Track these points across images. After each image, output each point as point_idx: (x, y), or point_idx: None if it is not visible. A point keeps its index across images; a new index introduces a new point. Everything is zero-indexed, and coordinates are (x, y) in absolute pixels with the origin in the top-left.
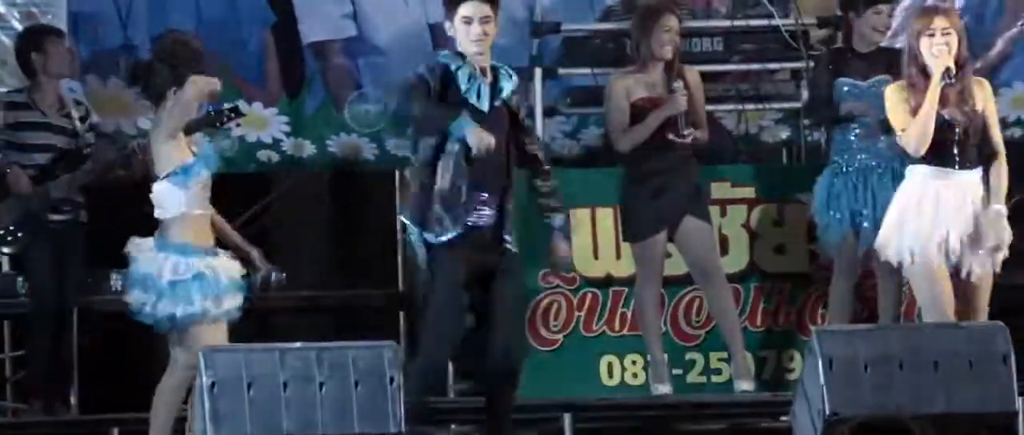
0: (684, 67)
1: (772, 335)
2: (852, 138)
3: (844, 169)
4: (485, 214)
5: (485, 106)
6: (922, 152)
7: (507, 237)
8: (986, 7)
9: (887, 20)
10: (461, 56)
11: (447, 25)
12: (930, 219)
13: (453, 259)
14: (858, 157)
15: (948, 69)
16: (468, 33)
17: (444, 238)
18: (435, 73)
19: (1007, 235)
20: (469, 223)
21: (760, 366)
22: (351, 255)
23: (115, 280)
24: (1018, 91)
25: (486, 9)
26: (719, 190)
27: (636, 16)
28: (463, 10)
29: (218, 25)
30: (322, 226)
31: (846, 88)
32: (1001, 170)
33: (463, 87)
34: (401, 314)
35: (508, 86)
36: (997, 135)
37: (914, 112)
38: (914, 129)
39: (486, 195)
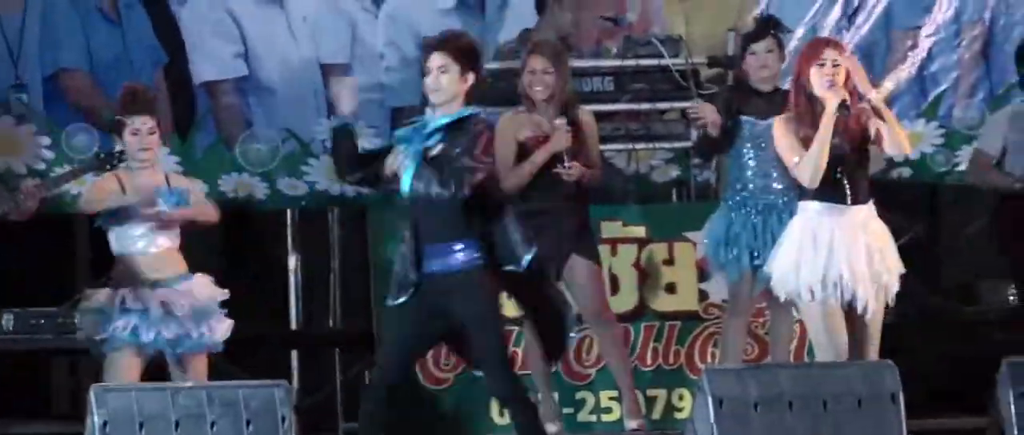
0: (580, 107)
1: (662, 374)
2: (749, 176)
3: (742, 208)
4: (451, 259)
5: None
6: (817, 183)
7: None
8: (875, 46)
9: (763, 58)
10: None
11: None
12: (826, 256)
13: (401, 314)
14: (756, 196)
15: (844, 100)
16: (426, 84)
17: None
18: None
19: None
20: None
21: (650, 405)
22: (243, 293)
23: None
24: (906, 129)
25: (441, 58)
26: (610, 229)
27: (524, 48)
28: (427, 61)
29: (110, 65)
30: (214, 265)
31: (744, 127)
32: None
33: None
34: (293, 353)
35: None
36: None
37: (803, 143)
38: (809, 160)
39: (443, 244)
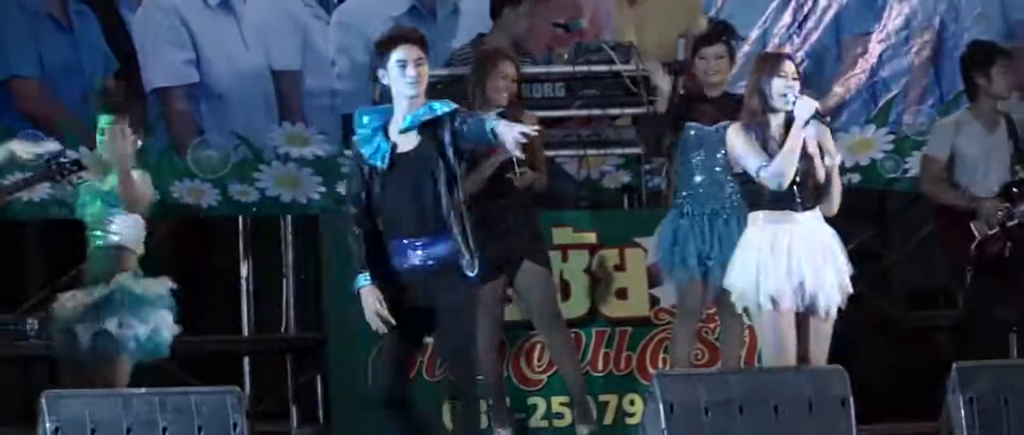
0: (523, 112)
1: (613, 379)
2: (698, 181)
3: (691, 213)
4: (417, 256)
5: (384, 161)
6: (785, 185)
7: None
8: (826, 53)
9: (713, 63)
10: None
11: (380, 72)
12: (785, 264)
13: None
14: (704, 201)
15: (817, 110)
16: (403, 76)
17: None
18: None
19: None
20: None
21: (601, 411)
22: (195, 300)
23: None
24: (855, 136)
25: (418, 52)
26: (561, 235)
27: (474, 62)
28: (395, 55)
29: (61, 71)
30: (166, 271)
31: (693, 132)
32: (827, 207)
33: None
34: (246, 359)
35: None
36: (837, 181)
37: (763, 147)
38: (779, 164)
39: (409, 239)
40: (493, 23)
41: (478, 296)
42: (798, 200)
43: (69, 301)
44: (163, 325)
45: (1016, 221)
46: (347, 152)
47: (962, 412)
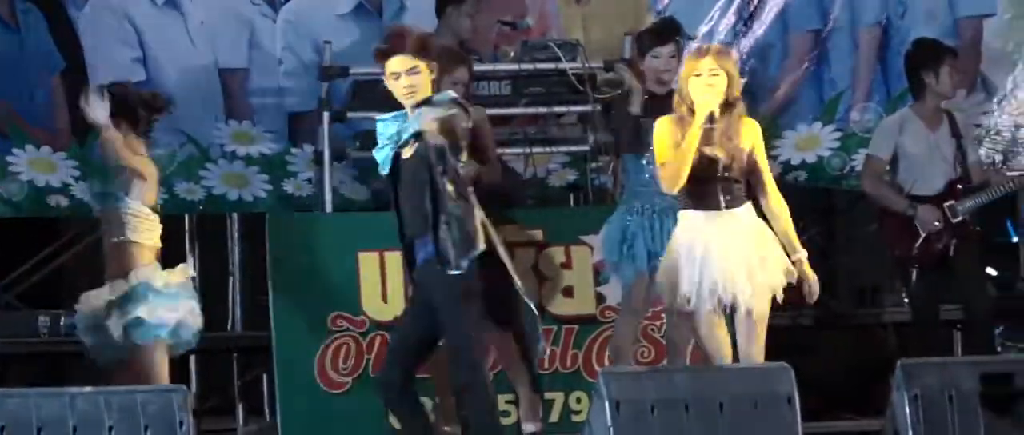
0: (472, 106)
1: (559, 377)
2: (647, 179)
3: (639, 210)
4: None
5: (387, 168)
6: (675, 188)
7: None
8: (771, 50)
9: (667, 62)
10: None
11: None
12: (701, 262)
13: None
14: (653, 199)
15: (711, 113)
16: (397, 88)
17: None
18: None
19: (811, 279)
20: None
21: (548, 408)
22: None
23: None
24: (802, 133)
25: (409, 61)
26: (507, 233)
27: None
28: (390, 67)
29: (7, 69)
30: None
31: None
32: (783, 214)
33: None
34: (192, 358)
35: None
36: (770, 181)
37: (678, 147)
38: (670, 165)
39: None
40: (438, 21)
41: (471, 291)
42: (722, 199)
43: (94, 299)
44: (188, 315)
45: (960, 218)
46: (294, 150)
47: (907, 409)
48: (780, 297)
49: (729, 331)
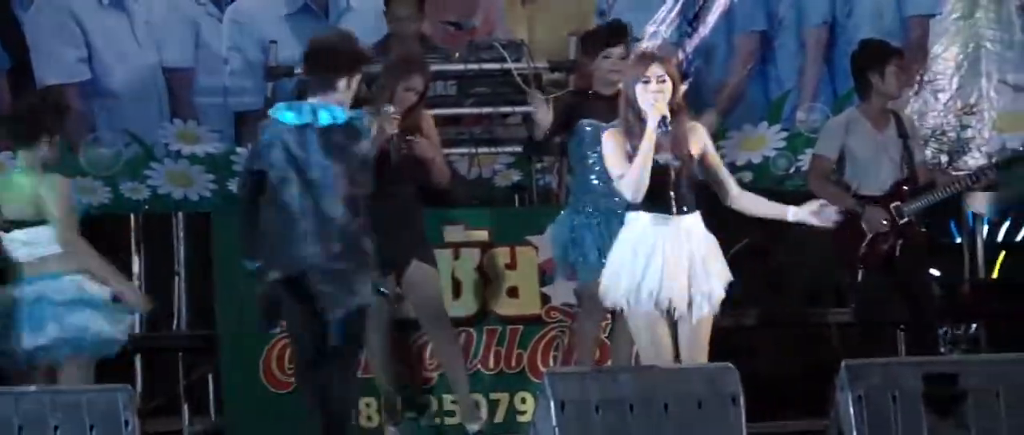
0: (422, 112)
1: (504, 378)
2: (593, 180)
3: (586, 211)
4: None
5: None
6: (640, 198)
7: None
8: (717, 51)
9: (617, 63)
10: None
11: None
12: (646, 266)
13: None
14: (599, 200)
15: (664, 117)
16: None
17: None
18: None
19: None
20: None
21: (492, 409)
22: None
23: None
24: (748, 133)
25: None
26: (452, 234)
27: (386, 66)
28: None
29: None
30: None
31: (588, 128)
32: (753, 199)
33: None
34: (137, 357)
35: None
36: (728, 175)
37: (630, 157)
38: (631, 175)
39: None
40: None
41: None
42: (673, 204)
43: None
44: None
45: (906, 219)
46: (239, 150)
47: (851, 409)
48: (716, 308)
49: (672, 336)
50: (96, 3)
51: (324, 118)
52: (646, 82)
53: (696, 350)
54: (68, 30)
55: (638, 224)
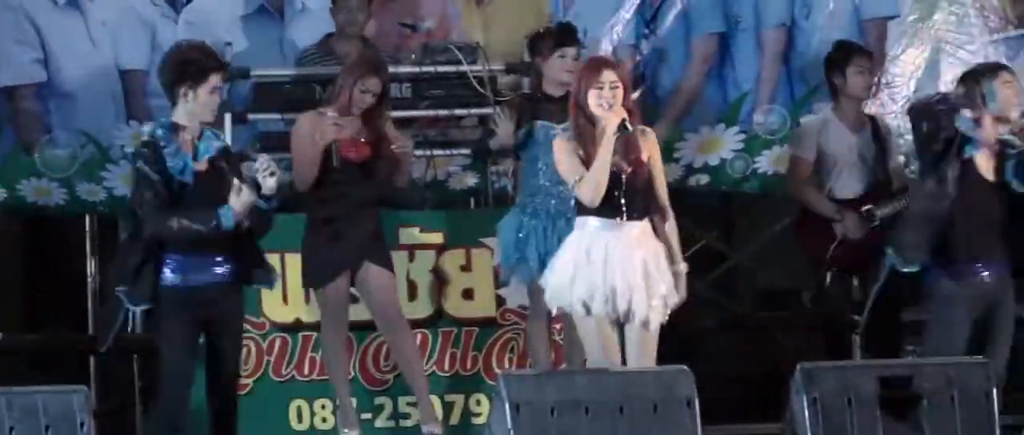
0: (385, 114)
1: (459, 380)
2: (542, 182)
3: (535, 212)
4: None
5: (189, 177)
6: (597, 202)
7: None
8: (674, 53)
9: (570, 63)
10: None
11: (191, 93)
12: (600, 270)
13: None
14: (548, 201)
15: (623, 122)
16: (212, 103)
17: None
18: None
19: (683, 291)
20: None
21: (448, 411)
22: (42, 299)
23: None
24: (704, 136)
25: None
26: (407, 236)
27: (349, 64)
28: (214, 81)
29: None
30: (13, 269)
31: (540, 130)
32: (673, 228)
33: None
34: (91, 359)
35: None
36: (663, 190)
37: (583, 162)
38: (589, 180)
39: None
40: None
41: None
42: (624, 210)
43: None
44: None
45: (878, 223)
46: None
47: (806, 413)
48: (665, 317)
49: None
50: (51, 4)
51: None
52: (599, 88)
53: (645, 356)
54: (23, 31)
55: (587, 229)
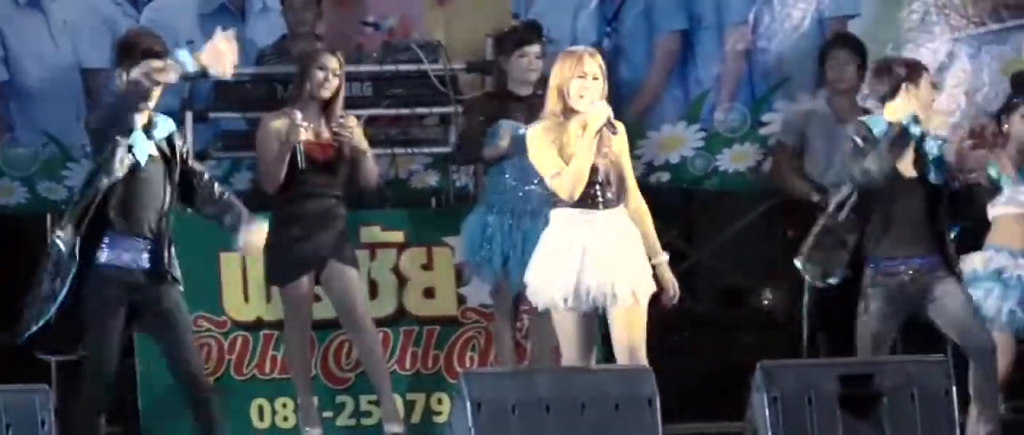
0: (344, 112)
1: (421, 378)
2: (507, 179)
3: (499, 210)
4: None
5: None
6: (577, 195)
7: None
8: (636, 51)
9: (534, 61)
10: None
11: (124, 75)
12: (578, 264)
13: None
14: (513, 199)
15: (609, 118)
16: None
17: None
18: None
19: (670, 281)
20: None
21: (409, 409)
22: (3, 298)
23: None
24: (666, 133)
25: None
26: (368, 234)
27: (300, 59)
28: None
29: None
30: None
31: (507, 127)
32: (649, 222)
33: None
34: (53, 358)
35: (159, 132)
36: (634, 186)
37: (560, 153)
38: (570, 174)
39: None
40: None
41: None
42: (600, 200)
43: None
44: None
45: None
46: None
47: (766, 411)
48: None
49: (600, 329)
50: (12, 3)
51: None
52: (582, 77)
53: (635, 331)
54: None
55: (564, 222)
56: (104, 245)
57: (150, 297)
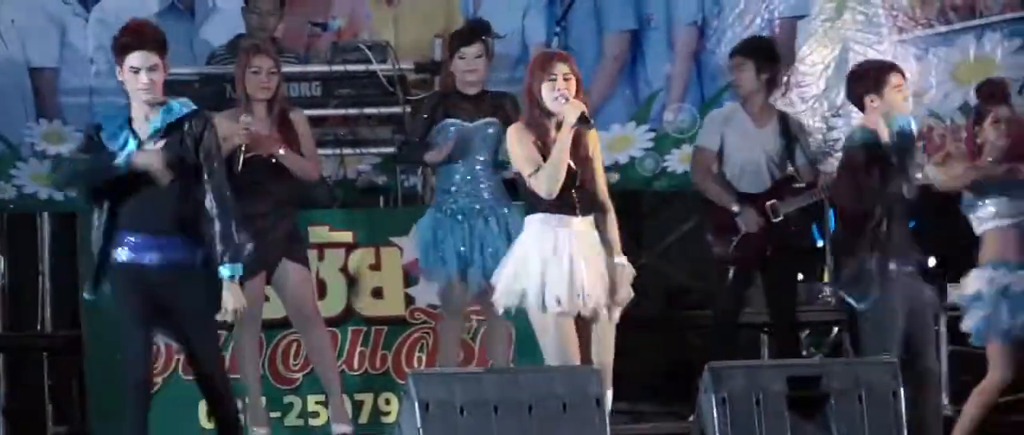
0: (291, 109)
1: (369, 378)
2: (457, 179)
3: (451, 211)
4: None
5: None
6: (555, 194)
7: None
8: (585, 51)
9: (471, 62)
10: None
11: (117, 70)
12: (569, 265)
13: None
14: (464, 199)
15: (584, 114)
16: (136, 82)
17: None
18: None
19: (628, 284)
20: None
21: (357, 409)
22: None
23: None
24: (616, 133)
25: (153, 58)
26: (317, 234)
27: (238, 58)
28: (130, 61)
29: None
30: None
31: (453, 129)
32: (612, 223)
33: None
34: (0, 356)
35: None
36: (603, 186)
37: (540, 151)
38: (547, 171)
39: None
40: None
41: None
42: (577, 204)
43: None
44: None
45: (780, 218)
46: None
47: (714, 412)
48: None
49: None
50: None
51: None
52: (552, 79)
53: (606, 350)
54: None
55: (542, 226)
56: (123, 244)
57: (167, 296)
